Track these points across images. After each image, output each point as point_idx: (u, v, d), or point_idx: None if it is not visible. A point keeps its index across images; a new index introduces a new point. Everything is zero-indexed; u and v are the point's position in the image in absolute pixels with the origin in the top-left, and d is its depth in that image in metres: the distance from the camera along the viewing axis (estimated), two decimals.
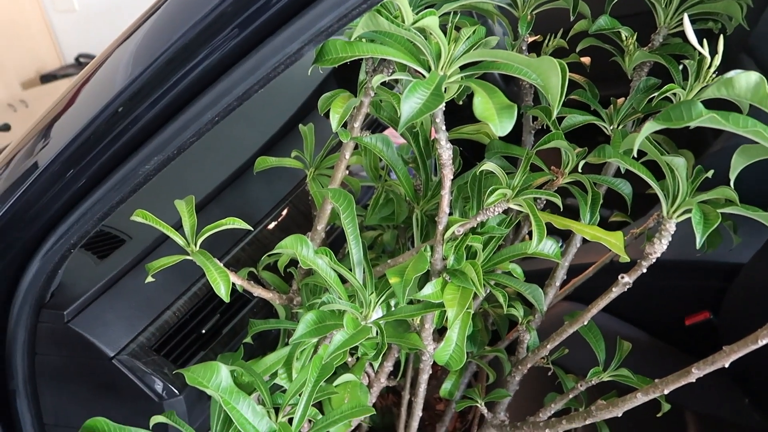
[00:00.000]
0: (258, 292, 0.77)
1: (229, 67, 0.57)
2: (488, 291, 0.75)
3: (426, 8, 0.62)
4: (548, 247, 0.71)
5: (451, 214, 0.73)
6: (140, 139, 0.61)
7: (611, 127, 0.73)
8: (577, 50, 0.79)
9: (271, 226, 1.02)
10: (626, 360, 1.34)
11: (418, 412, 0.86)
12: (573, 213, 0.69)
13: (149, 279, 0.68)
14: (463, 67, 0.57)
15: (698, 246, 0.48)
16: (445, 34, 0.56)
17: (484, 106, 0.50)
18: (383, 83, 0.70)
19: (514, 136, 0.88)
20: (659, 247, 0.56)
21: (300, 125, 0.92)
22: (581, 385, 0.71)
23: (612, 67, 0.79)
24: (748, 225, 0.71)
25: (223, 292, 0.63)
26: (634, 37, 0.71)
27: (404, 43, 0.58)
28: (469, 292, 0.67)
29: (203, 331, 0.83)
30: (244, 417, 0.56)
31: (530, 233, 0.90)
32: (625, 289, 0.60)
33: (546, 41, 0.87)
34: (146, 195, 0.72)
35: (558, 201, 0.66)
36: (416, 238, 0.76)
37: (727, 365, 0.49)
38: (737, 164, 0.51)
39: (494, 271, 0.80)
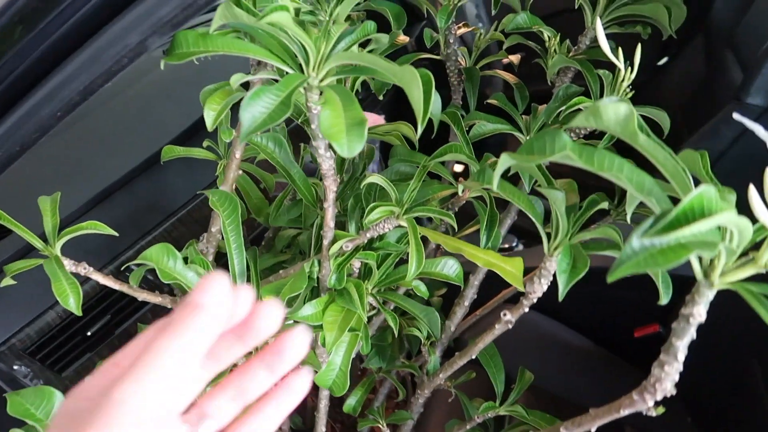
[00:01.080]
0: (143, 296, 0.71)
1: (63, 58, 0.50)
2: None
3: None
4: (449, 267, 0.65)
5: (343, 227, 0.67)
6: None
7: (527, 138, 0.66)
8: (504, 48, 0.72)
9: (189, 217, 0.96)
10: (574, 369, 1.29)
11: (321, 428, 0.81)
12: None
13: (7, 282, 0.62)
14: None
15: (560, 298, 0.42)
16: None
17: (332, 120, 0.43)
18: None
19: (443, 140, 0.82)
20: (539, 288, 0.50)
21: None
22: (478, 418, 0.65)
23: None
24: None
25: (72, 305, 0.57)
26: (557, 38, 0.64)
27: (276, 39, 0.51)
28: (353, 314, 0.61)
29: (89, 334, 0.77)
30: None
31: (437, 246, 0.83)
32: (509, 327, 0.54)
33: (479, 34, 0.80)
34: (47, 181, 0.66)
35: (453, 222, 0.59)
36: (311, 249, 0.70)
37: (593, 431, 0.43)
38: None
39: (397, 288, 0.74)
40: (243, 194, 0.83)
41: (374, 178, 0.58)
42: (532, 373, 0.66)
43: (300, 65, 0.51)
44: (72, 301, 0.57)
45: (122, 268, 0.86)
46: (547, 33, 0.64)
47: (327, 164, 0.56)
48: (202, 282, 0.27)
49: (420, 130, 0.44)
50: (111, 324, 0.80)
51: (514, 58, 0.73)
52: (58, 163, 0.89)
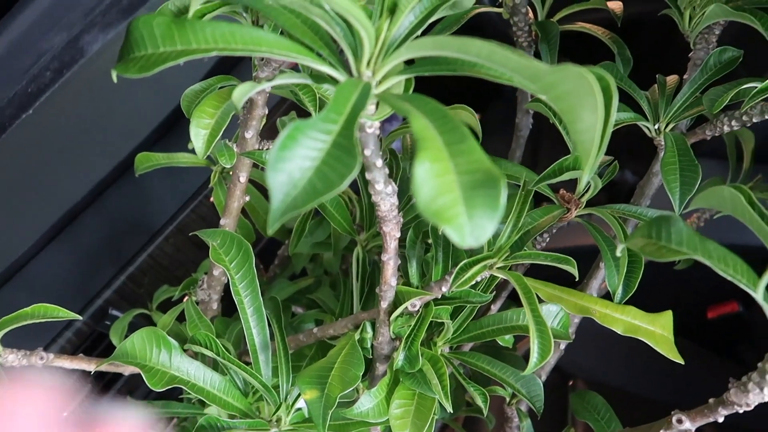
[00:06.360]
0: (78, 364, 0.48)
1: None
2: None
3: None
4: (551, 316, 0.47)
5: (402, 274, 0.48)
6: None
7: (654, 127, 0.46)
8: None
9: (180, 234, 0.76)
10: (638, 357, 1.13)
11: None
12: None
13: None
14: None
15: None
16: None
17: (436, 183, 0.23)
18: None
19: (504, 116, 0.62)
20: (757, 398, 0.32)
21: None
22: None
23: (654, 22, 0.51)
24: None
25: None
26: None
27: (298, 18, 0.31)
28: (431, 402, 0.44)
29: None
30: None
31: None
32: None
33: None
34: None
35: (573, 270, 0.41)
36: (355, 299, 0.51)
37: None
38: None
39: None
40: (248, 210, 0.63)
41: None
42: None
43: (340, 59, 0.31)
44: None
45: (101, 315, 0.68)
46: None
47: (387, 204, 0.37)
48: None
49: (586, 180, 0.25)
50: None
51: (616, 6, 0.52)
52: None
